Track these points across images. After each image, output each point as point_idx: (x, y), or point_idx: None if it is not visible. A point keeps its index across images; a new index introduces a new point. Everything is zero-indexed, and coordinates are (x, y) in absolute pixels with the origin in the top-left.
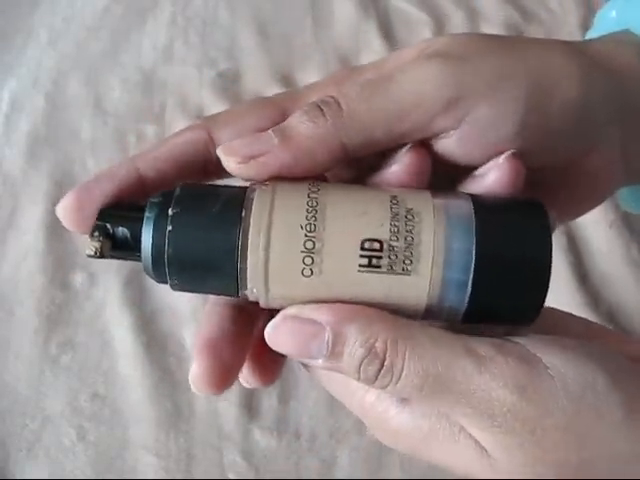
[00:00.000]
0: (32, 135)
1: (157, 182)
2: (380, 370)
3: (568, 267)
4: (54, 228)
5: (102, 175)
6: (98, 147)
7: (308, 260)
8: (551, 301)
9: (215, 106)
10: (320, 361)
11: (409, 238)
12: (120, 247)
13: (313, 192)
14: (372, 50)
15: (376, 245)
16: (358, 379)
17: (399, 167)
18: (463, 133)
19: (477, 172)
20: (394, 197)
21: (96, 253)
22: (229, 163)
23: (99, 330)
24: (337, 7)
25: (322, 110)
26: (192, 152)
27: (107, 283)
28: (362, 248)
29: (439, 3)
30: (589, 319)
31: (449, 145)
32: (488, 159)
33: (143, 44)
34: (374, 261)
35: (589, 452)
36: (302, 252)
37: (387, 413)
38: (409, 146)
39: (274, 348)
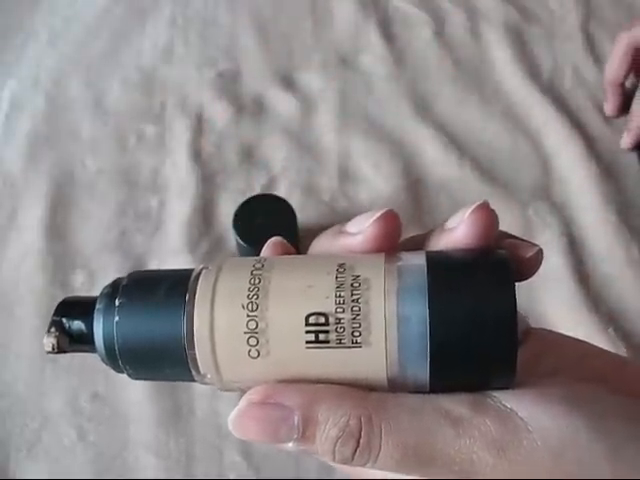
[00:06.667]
0: (32, 135)
1: None
2: (357, 449)
3: (568, 268)
4: (54, 228)
5: None
6: (98, 147)
7: (253, 341)
8: (552, 302)
9: (215, 106)
10: (290, 445)
11: (356, 308)
12: (78, 341)
13: (257, 269)
14: (372, 50)
15: (321, 319)
16: (333, 460)
17: (363, 237)
18: None
19: (446, 225)
20: (341, 265)
21: (53, 349)
22: None
23: None
24: (337, 7)
25: None
26: None
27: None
28: (307, 324)
29: (439, 3)
30: (588, 330)
31: None
32: None
33: (143, 44)
34: (321, 336)
35: None
36: (245, 333)
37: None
38: (378, 214)
39: (240, 436)
